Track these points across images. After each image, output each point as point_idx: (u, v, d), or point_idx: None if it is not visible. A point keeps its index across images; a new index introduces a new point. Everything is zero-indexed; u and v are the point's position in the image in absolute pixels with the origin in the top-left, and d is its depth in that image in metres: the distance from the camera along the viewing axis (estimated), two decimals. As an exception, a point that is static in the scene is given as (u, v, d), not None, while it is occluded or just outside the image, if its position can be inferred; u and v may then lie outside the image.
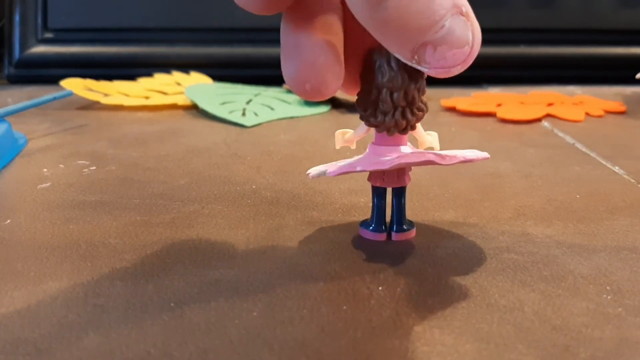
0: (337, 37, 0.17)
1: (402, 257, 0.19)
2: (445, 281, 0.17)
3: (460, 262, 0.19)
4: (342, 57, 0.17)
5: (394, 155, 0.18)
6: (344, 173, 0.18)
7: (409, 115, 0.18)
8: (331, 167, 0.19)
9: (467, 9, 0.15)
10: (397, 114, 0.17)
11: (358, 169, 0.18)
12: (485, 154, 0.19)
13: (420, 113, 0.18)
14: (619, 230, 0.21)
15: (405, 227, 0.20)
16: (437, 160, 0.17)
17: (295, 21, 0.17)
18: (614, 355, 0.14)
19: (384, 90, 0.17)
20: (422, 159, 0.17)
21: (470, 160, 0.18)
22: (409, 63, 0.15)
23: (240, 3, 0.16)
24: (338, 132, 0.20)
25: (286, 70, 0.17)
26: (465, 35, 0.15)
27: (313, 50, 0.16)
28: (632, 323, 0.15)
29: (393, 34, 0.15)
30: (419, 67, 0.15)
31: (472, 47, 0.15)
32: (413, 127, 0.18)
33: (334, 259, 0.19)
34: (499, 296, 0.17)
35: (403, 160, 0.17)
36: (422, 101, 0.18)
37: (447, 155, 0.18)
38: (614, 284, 0.17)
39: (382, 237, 0.20)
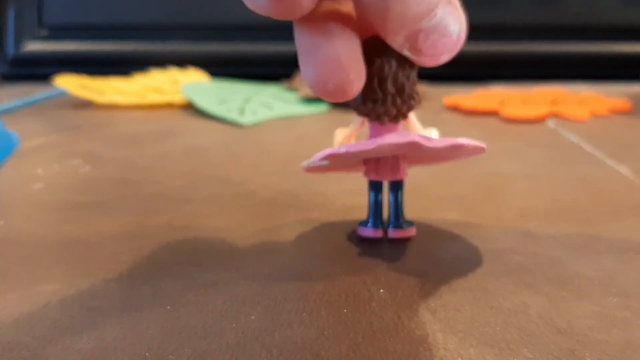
0: (356, 32, 0.17)
1: (404, 259, 0.19)
2: (447, 283, 0.17)
3: (463, 264, 0.18)
4: (361, 54, 0.17)
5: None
6: (329, 156, 0.18)
7: (399, 102, 0.18)
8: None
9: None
10: (387, 102, 0.18)
11: (342, 150, 0.17)
12: (480, 144, 0.18)
13: (412, 102, 0.18)
14: (625, 231, 0.21)
15: (402, 224, 0.20)
16: (423, 142, 0.17)
17: (310, 19, 0.16)
18: (620, 359, 0.14)
19: (374, 78, 0.17)
20: (406, 139, 0.17)
21: (461, 146, 0.18)
22: (400, 50, 0.16)
23: (260, 10, 0.16)
24: (337, 130, 0.20)
25: (306, 72, 0.16)
26: (454, 25, 0.16)
27: (333, 47, 0.16)
28: (638, 326, 0.15)
29: (392, 20, 0.15)
30: (409, 54, 0.16)
31: (459, 36, 0.16)
32: (404, 116, 0.18)
33: (334, 260, 0.19)
34: (503, 299, 0.16)
35: (387, 141, 0.17)
36: (413, 90, 0.18)
37: (434, 139, 0.17)
38: (620, 286, 0.17)
39: (378, 234, 0.20)
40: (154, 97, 0.46)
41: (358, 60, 0.16)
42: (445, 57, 0.16)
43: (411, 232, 0.20)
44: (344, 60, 0.16)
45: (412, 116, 0.19)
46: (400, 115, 0.18)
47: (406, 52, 0.16)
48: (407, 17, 0.15)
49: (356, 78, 0.16)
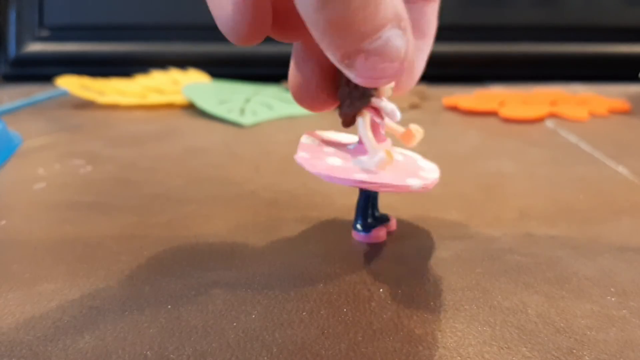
0: None
1: (404, 259, 0.19)
2: (447, 283, 0.17)
3: (463, 264, 0.18)
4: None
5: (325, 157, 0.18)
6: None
7: (342, 106, 0.18)
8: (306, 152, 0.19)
9: (406, 23, 0.14)
10: (342, 107, 0.18)
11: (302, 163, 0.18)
12: (389, 183, 0.17)
13: (343, 107, 0.18)
14: (624, 231, 0.21)
15: (355, 226, 0.20)
16: (338, 175, 0.17)
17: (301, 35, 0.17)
18: (618, 358, 0.14)
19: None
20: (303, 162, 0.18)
21: (363, 182, 0.17)
22: (339, 66, 0.15)
23: (226, 32, 0.16)
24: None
25: (289, 79, 0.18)
26: (398, 50, 0.14)
27: (307, 73, 0.17)
28: (636, 325, 0.15)
29: (332, 35, 0.14)
30: (346, 72, 0.15)
31: (402, 64, 0.15)
32: (345, 120, 0.19)
33: (334, 260, 0.19)
34: (502, 298, 0.16)
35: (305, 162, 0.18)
36: (344, 95, 0.18)
37: (328, 173, 0.17)
38: (619, 285, 0.17)
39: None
40: (154, 98, 0.46)
41: (332, 82, 0.17)
42: (383, 82, 0.15)
43: (357, 236, 0.20)
44: (316, 86, 0.17)
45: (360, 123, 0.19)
46: (344, 120, 0.18)
47: (344, 69, 0.15)
48: (349, 35, 0.14)
49: (327, 98, 0.17)
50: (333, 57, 0.15)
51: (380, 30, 0.14)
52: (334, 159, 0.18)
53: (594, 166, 0.29)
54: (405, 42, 0.14)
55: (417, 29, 0.17)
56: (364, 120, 0.18)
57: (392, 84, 0.18)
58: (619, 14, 0.58)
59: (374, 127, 0.18)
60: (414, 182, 0.17)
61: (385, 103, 0.18)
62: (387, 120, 0.18)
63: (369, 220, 0.20)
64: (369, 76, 0.15)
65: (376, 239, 0.20)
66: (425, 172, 0.19)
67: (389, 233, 0.20)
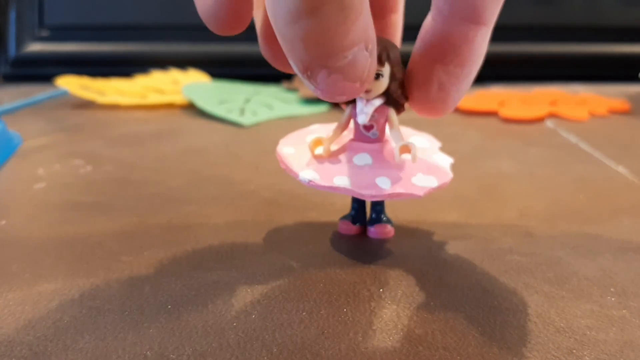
0: None
1: (404, 259, 0.19)
2: (447, 283, 0.17)
3: (463, 264, 0.18)
4: None
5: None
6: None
7: None
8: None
9: (373, 45, 0.14)
10: None
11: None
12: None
13: None
14: (624, 231, 0.21)
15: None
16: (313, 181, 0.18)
17: None
18: (618, 358, 0.14)
19: None
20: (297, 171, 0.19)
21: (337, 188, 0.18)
22: (299, 75, 0.15)
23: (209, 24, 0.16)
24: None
25: None
26: (361, 72, 0.14)
27: None
28: (636, 325, 0.15)
29: (299, 49, 0.14)
30: (305, 82, 0.15)
31: (362, 85, 0.15)
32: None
33: (334, 260, 0.19)
34: (502, 298, 0.16)
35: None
36: None
37: (335, 186, 0.17)
38: (619, 285, 0.17)
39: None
40: (154, 98, 0.46)
41: None
42: (341, 99, 0.15)
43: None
44: None
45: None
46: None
47: (304, 80, 0.15)
48: (316, 52, 0.14)
49: None
50: (295, 68, 0.14)
51: (348, 50, 0.14)
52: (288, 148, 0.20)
53: (594, 166, 0.29)
54: (369, 64, 0.14)
55: (459, 56, 0.16)
56: (345, 112, 0.19)
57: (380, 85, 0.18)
58: (619, 14, 0.58)
59: (354, 124, 0.19)
60: (341, 182, 0.18)
61: (358, 102, 0.18)
62: (398, 128, 0.18)
63: (363, 214, 0.20)
64: (328, 91, 0.15)
65: (340, 229, 0.20)
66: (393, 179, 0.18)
67: (363, 233, 0.20)
